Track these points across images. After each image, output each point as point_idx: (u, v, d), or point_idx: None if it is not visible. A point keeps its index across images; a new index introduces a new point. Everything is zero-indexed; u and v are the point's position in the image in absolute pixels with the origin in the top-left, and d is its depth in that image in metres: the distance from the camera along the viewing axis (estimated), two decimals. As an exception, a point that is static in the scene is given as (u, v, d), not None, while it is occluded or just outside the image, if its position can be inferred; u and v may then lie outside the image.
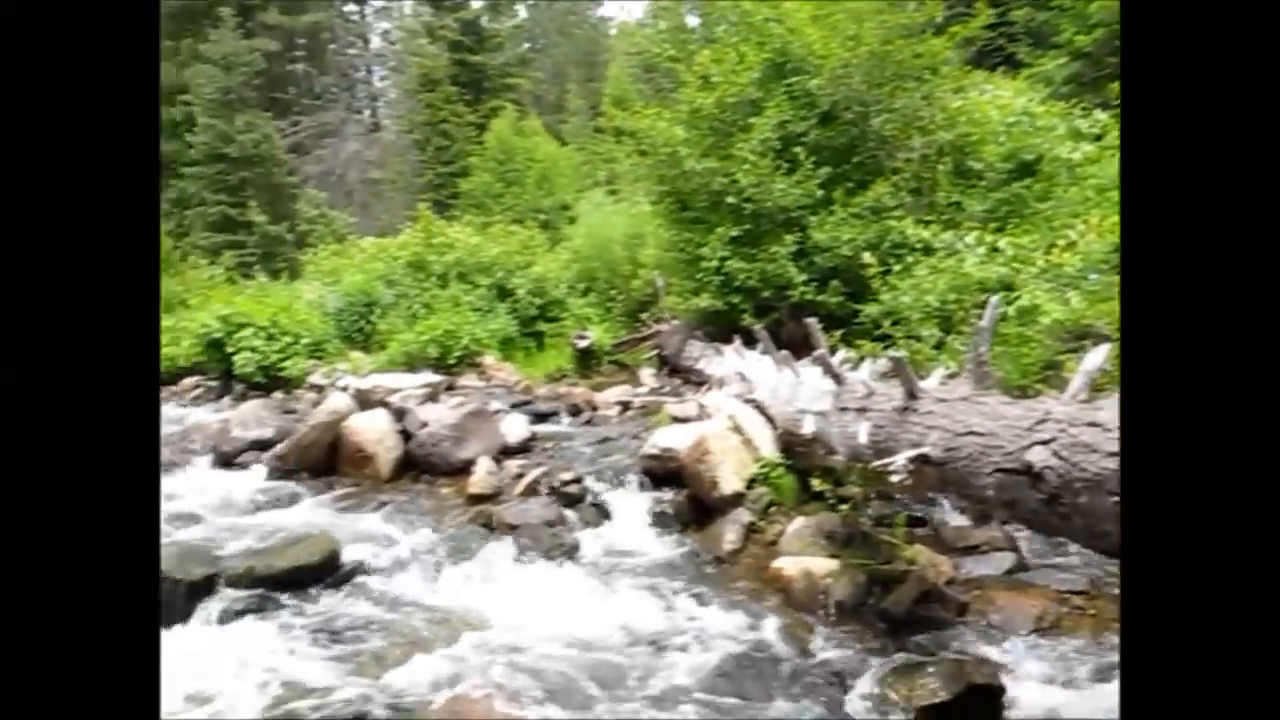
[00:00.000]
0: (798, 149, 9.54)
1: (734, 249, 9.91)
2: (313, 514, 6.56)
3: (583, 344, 12.94)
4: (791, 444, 6.06)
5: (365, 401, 7.92)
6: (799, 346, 7.00)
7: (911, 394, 4.06)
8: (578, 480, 6.48)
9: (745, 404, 6.78)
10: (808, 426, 5.44)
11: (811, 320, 5.49)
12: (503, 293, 14.88)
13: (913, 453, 3.67)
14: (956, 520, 5.55)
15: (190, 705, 3.93)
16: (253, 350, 11.97)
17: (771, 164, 9.57)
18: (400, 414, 7.69)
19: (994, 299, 4.01)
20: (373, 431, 7.37)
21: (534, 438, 8.03)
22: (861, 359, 6.10)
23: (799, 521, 5.38)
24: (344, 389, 9.64)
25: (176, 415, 10.66)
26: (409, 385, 8.38)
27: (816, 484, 5.40)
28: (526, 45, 41.96)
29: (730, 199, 9.76)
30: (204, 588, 4.93)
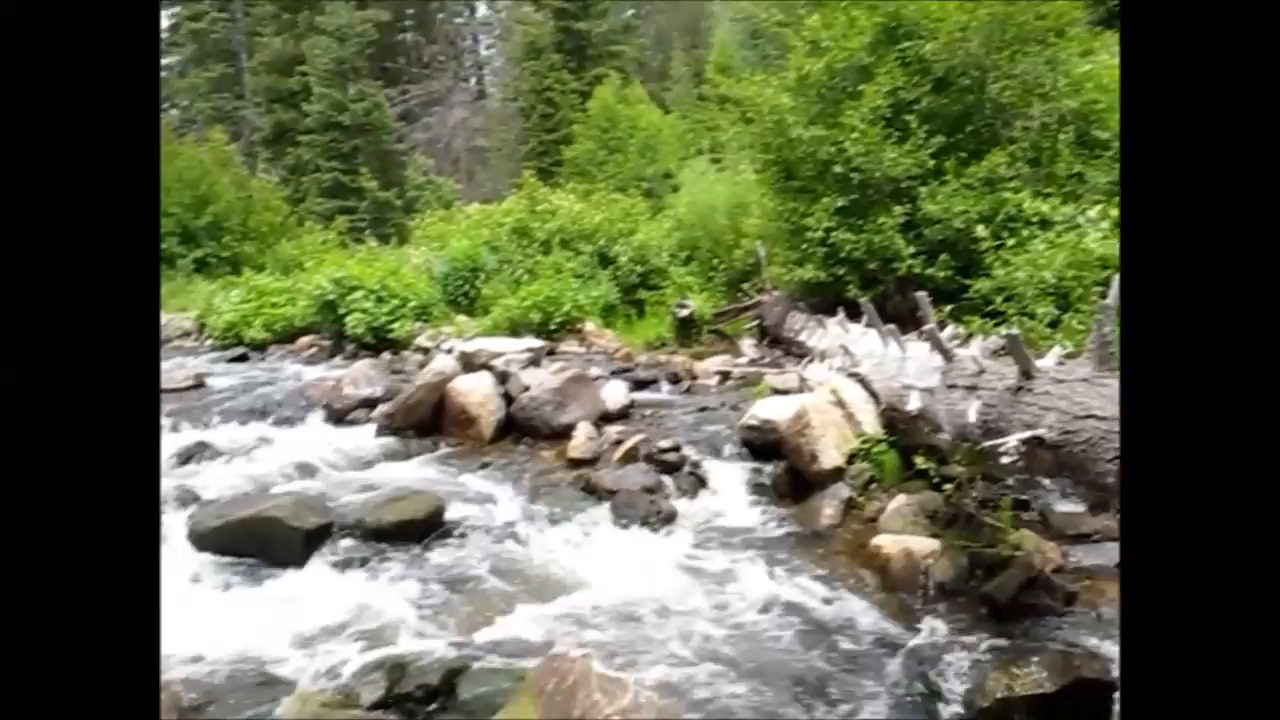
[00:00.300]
0: (909, 117, 9.23)
1: (840, 219, 9.70)
2: (418, 471, 6.78)
3: (683, 313, 12.94)
4: (895, 420, 5.94)
5: (469, 364, 8.11)
6: (905, 321, 6.84)
7: (1026, 373, 3.92)
8: (676, 448, 6.52)
9: (848, 378, 6.67)
10: (913, 403, 5.33)
11: (921, 294, 5.35)
12: (604, 260, 14.97)
13: (1026, 434, 3.54)
14: (1065, 506, 5.35)
15: (299, 647, 4.15)
16: (363, 312, 12.39)
17: (881, 132, 9.30)
18: (503, 377, 7.86)
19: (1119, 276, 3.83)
20: (476, 394, 7.55)
21: (633, 405, 8.09)
22: (970, 335, 5.93)
23: (900, 499, 5.29)
24: (449, 352, 9.91)
25: (293, 372, 11.13)
26: (512, 349, 8.55)
27: (920, 462, 5.29)
28: (630, 12, 41.74)
29: (837, 168, 9.54)
30: (319, 536, 5.17)
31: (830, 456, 5.77)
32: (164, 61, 43.67)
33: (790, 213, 10.66)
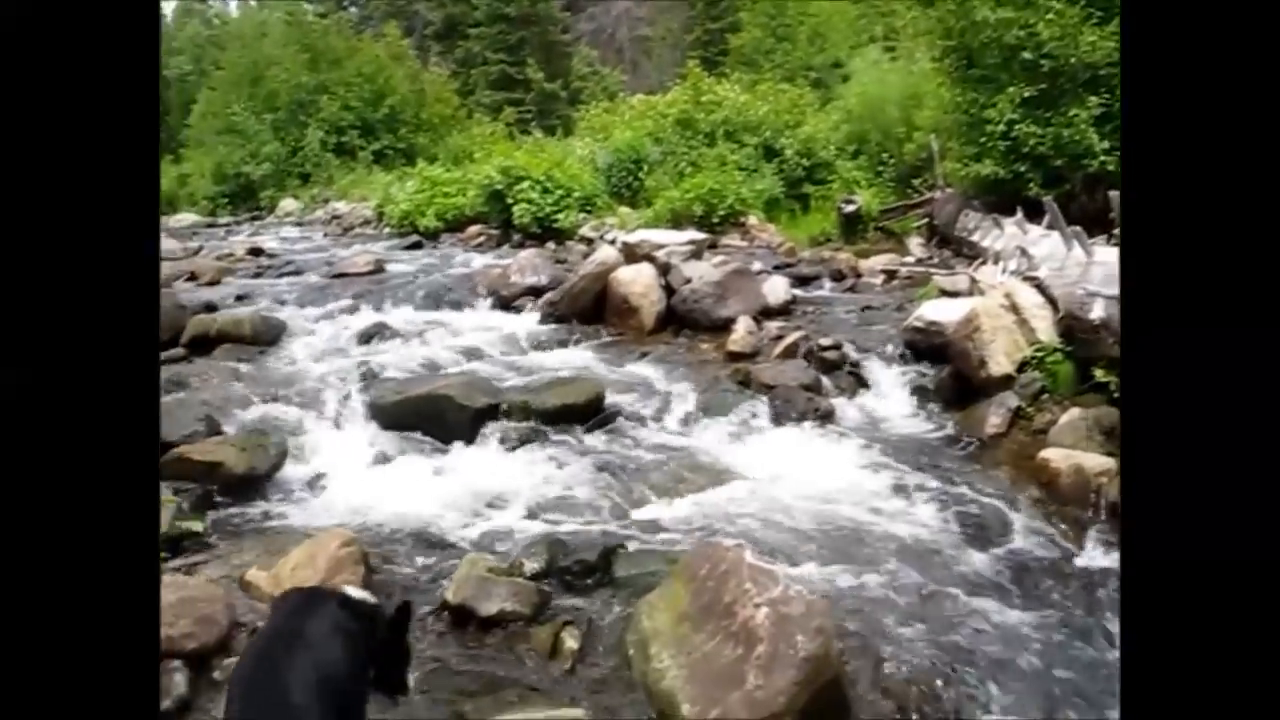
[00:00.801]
0: (1115, -7, 8.35)
1: (1025, 111, 9.00)
2: (580, 358, 6.98)
3: (849, 209, 12.50)
4: (1074, 329, 5.58)
5: (632, 255, 8.18)
6: (1092, 223, 6.35)
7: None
8: (837, 347, 6.40)
9: (1024, 282, 6.30)
10: (1096, 311, 4.98)
11: (1114, 193, 4.93)
12: (770, 153, 14.58)
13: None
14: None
15: (463, 517, 4.41)
16: (529, 202, 12.66)
17: (1080, 13, 8.46)
18: (665, 269, 7.89)
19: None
20: (638, 284, 7.63)
21: (795, 301, 7.98)
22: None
23: (1074, 413, 4.99)
24: (612, 242, 10.01)
25: (462, 260, 11.59)
26: (674, 241, 8.54)
27: (1099, 375, 4.97)
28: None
29: (1026, 54, 8.79)
30: (486, 415, 5.44)
31: (1000, 363, 5.51)
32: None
33: (969, 104, 9.98)
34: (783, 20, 24.25)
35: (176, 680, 2.96)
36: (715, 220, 12.40)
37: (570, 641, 3.28)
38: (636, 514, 4.47)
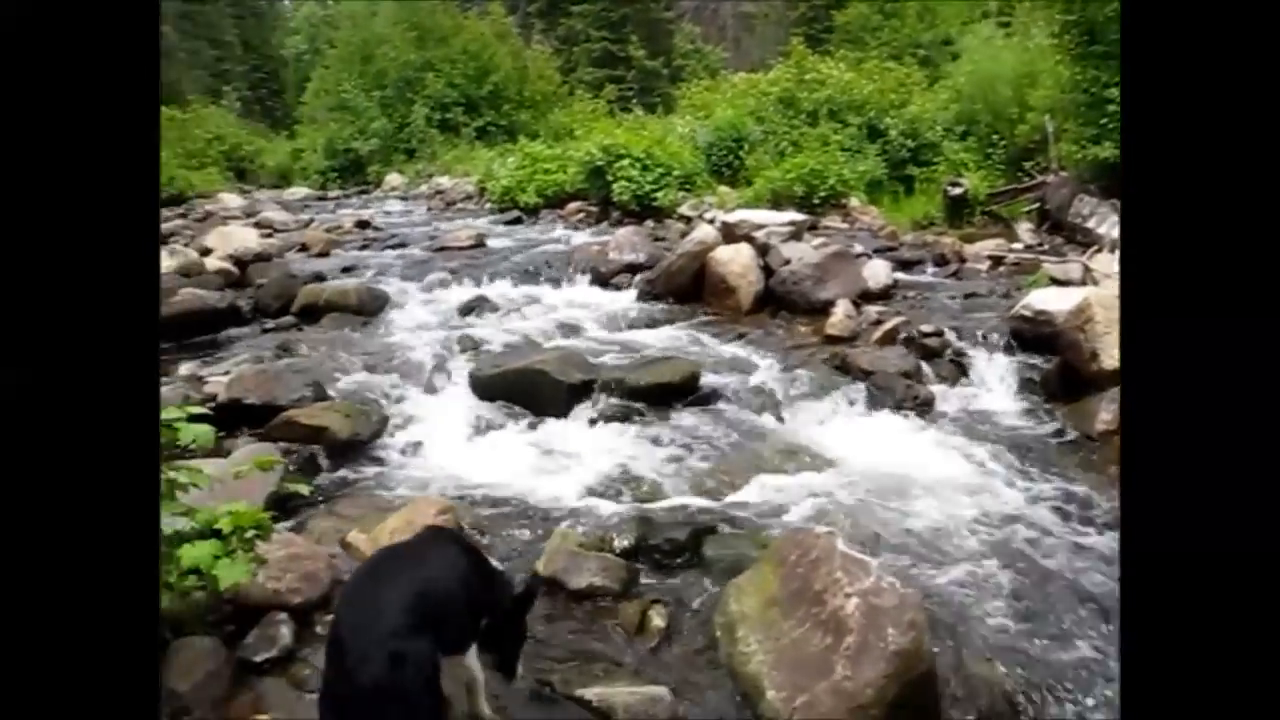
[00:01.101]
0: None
1: (1153, 90, 8.50)
2: (676, 336, 6.97)
3: (956, 191, 12.09)
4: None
5: (730, 235, 8.11)
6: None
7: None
8: (939, 334, 6.22)
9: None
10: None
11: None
12: (874, 133, 14.22)
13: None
14: None
15: (556, 490, 4.46)
16: (629, 180, 12.66)
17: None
18: (764, 250, 7.80)
19: None
20: (736, 264, 7.57)
21: (896, 285, 7.78)
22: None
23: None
24: (711, 221, 9.94)
25: (563, 236, 11.70)
26: (773, 222, 8.43)
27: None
28: None
29: (1156, 29, 8.30)
30: (582, 390, 5.49)
31: (1114, 356, 5.26)
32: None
33: (1090, 82, 9.51)
34: (891, -4, 23.58)
35: (282, 632, 3.11)
36: (816, 201, 12.18)
37: (657, 619, 3.29)
38: (727, 495, 4.44)
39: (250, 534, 3.13)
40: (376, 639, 2.18)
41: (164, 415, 2.96)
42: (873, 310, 6.92)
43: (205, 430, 3.04)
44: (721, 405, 5.55)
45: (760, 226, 8.23)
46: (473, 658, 2.62)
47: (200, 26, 43.47)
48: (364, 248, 11.65)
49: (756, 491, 4.47)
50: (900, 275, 8.21)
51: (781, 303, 7.41)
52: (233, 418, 5.01)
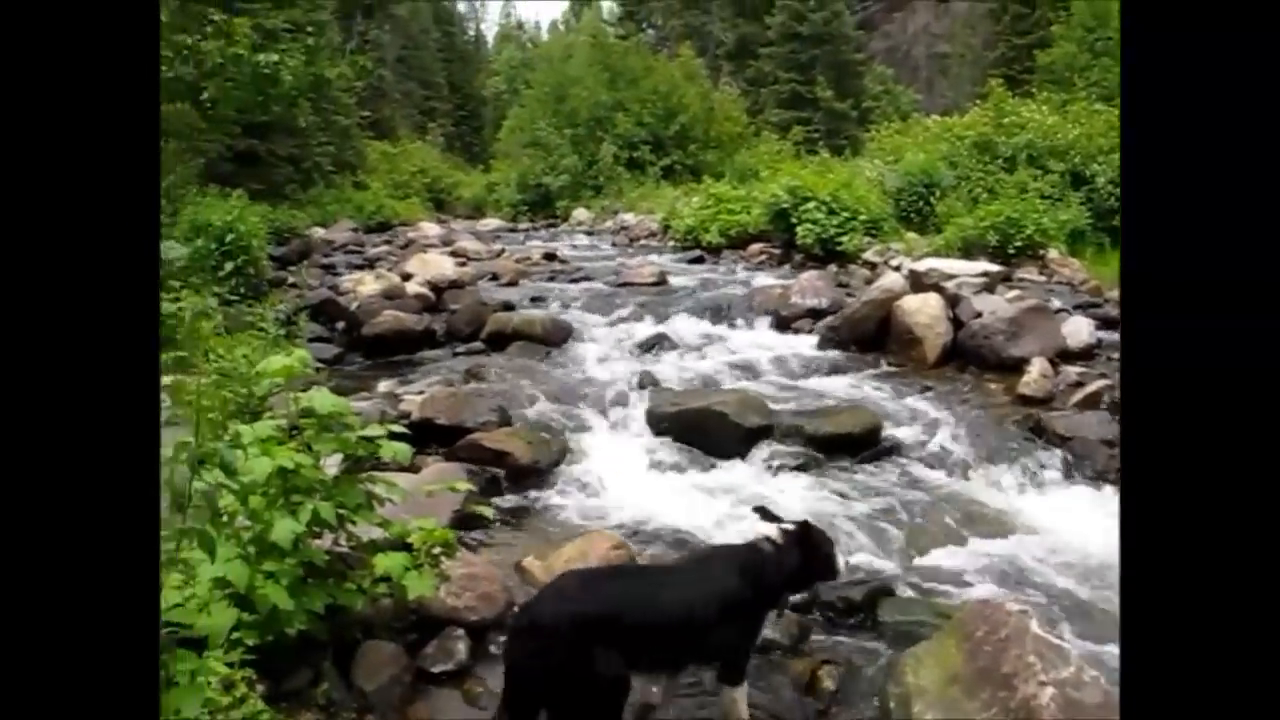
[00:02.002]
0: None
1: None
2: (857, 385, 6.78)
3: (1169, 247, 11.20)
4: None
5: (919, 284, 7.86)
6: None
7: None
8: (1148, 401, 5.74)
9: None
10: None
11: None
12: (1078, 180, 13.42)
13: None
14: None
15: (729, 534, 4.34)
16: (814, 223, 12.50)
17: None
18: (954, 300, 7.50)
19: None
20: (924, 315, 7.30)
21: (1099, 345, 7.25)
22: None
23: None
24: (897, 269, 9.68)
25: (743, 277, 11.69)
26: (965, 272, 8.10)
27: None
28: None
29: None
30: (759, 434, 5.43)
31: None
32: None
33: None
34: (1102, 34, 22.21)
35: (459, 647, 3.22)
36: (1011, 251, 11.58)
37: (828, 681, 3.18)
38: (907, 557, 4.26)
39: (437, 550, 3.28)
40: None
41: (366, 432, 3.15)
42: (1072, 371, 6.47)
43: (404, 448, 3.20)
44: (903, 461, 5.34)
45: (951, 276, 7.92)
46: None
47: (414, 69, 46.90)
48: (551, 279, 12.08)
49: (938, 555, 4.26)
50: (1104, 335, 7.65)
51: (970, 357, 7.07)
52: (424, 435, 5.27)
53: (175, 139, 9.09)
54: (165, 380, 5.62)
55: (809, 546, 2.93)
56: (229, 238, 9.90)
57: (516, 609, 2.63)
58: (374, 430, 3.18)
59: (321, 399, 3.03)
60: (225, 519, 2.65)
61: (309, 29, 11.51)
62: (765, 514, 3.05)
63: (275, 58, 7.98)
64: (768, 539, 2.91)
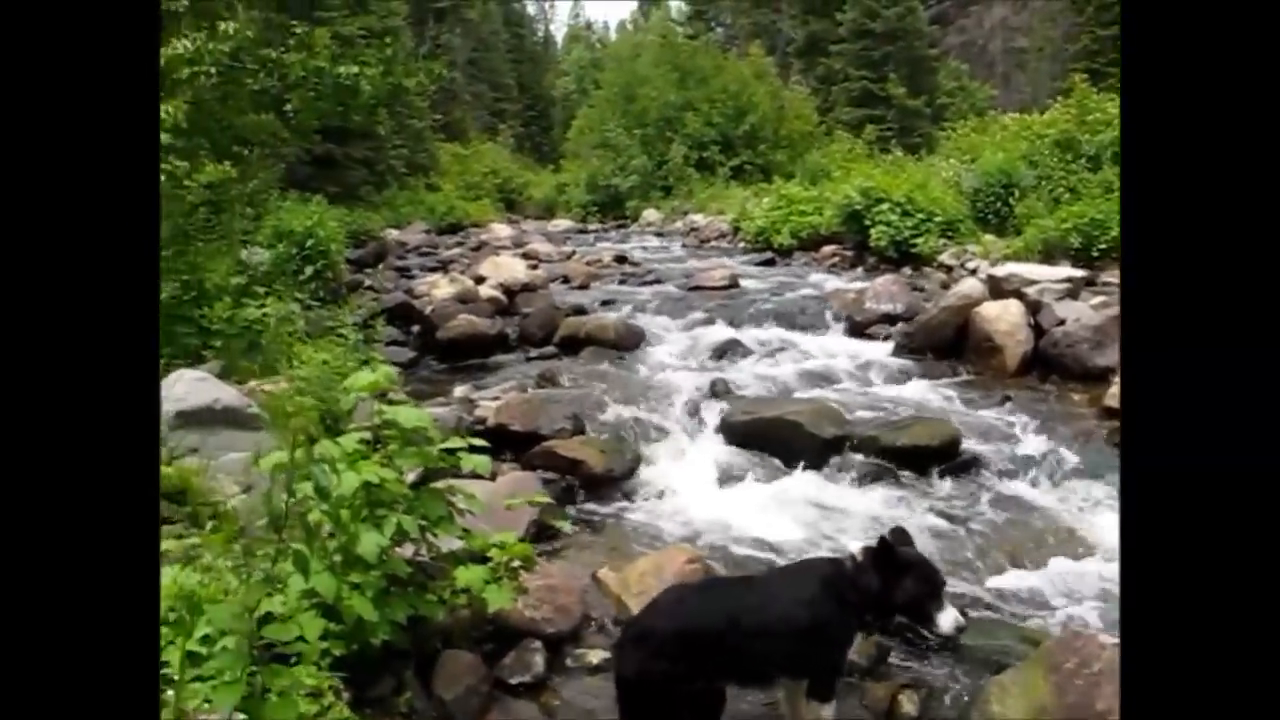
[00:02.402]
0: None
1: None
2: (934, 395, 6.64)
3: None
4: None
5: (998, 290, 7.66)
6: None
7: None
8: (1245, 415, 5.50)
9: None
10: None
11: None
12: (1166, 180, 12.94)
13: None
14: None
15: (804, 547, 4.35)
16: (888, 225, 12.32)
17: None
18: (1035, 307, 7.29)
19: None
20: (1004, 322, 7.12)
21: (1190, 355, 6.99)
22: None
23: None
24: (973, 271, 9.46)
25: (816, 280, 11.57)
26: (1047, 278, 7.87)
27: None
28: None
29: None
30: (834, 445, 5.35)
31: None
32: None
33: None
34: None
35: (536, 659, 3.25)
36: (1095, 255, 11.21)
37: (908, 705, 3.11)
38: (989, 577, 4.14)
39: (516, 564, 3.32)
40: None
41: (447, 444, 3.21)
42: (1162, 382, 6.24)
43: (484, 461, 3.25)
44: (983, 475, 5.20)
45: (1032, 282, 7.70)
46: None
47: (484, 71, 47.54)
48: (622, 282, 12.13)
49: (1022, 577, 4.13)
50: (1196, 343, 7.37)
51: (1052, 366, 6.87)
52: (499, 442, 5.33)
53: (259, 148, 9.36)
54: (252, 384, 5.84)
55: (891, 571, 2.69)
56: (309, 243, 10.19)
57: (622, 624, 2.66)
58: (455, 443, 3.22)
59: (405, 414, 3.08)
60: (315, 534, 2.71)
61: (386, 38, 11.73)
62: (900, 537, 2.87)
63: (355, 70, 8.15)
64: (851, 556, 2.84)
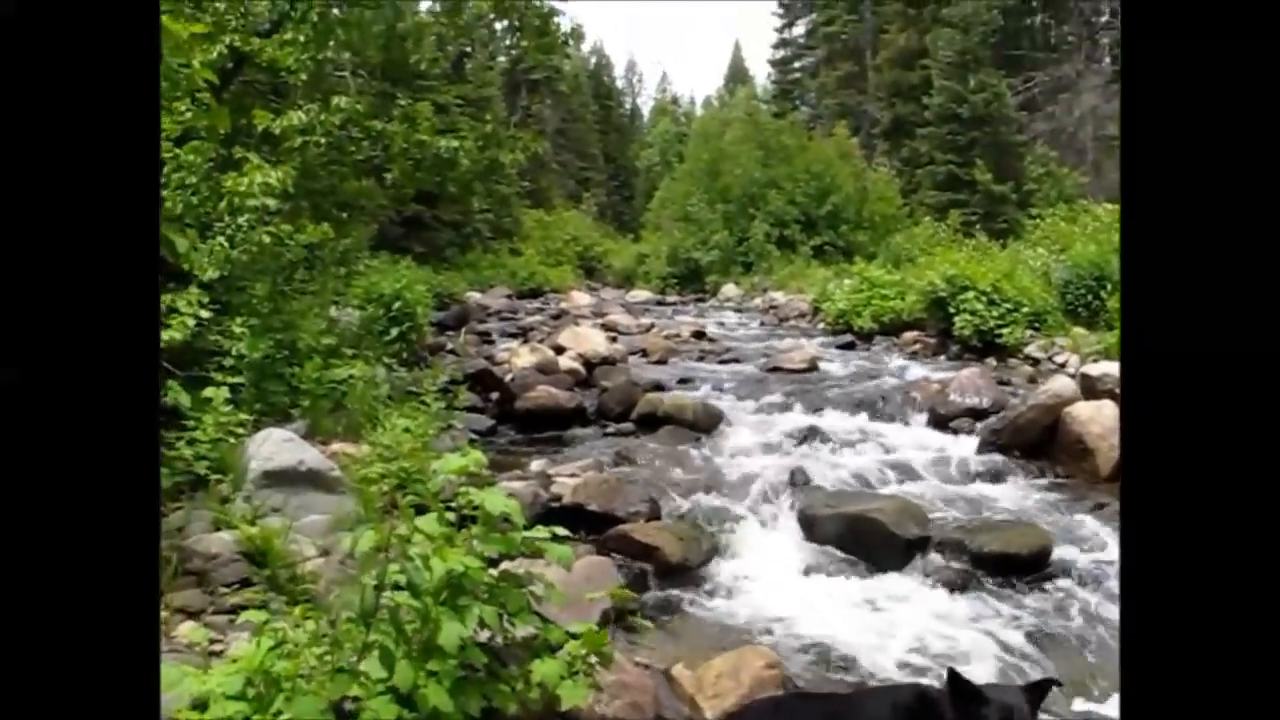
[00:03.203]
0: None
1: None
2: (1022, 497, 6.41)
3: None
4: None
5: (1091, 390, 7.41)
6: None
7: None
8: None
9: None
10: None
11: None
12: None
13: None
14: None
15: (884, 653, 4.21)
16: (973, 313, 12.07)
17: None
18: (1130, 411, 7.02)
19: None
20: (1096, 424, 6.85)
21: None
22: None
23: None
24: (1062, 364, 9.17)
25: (897, 367, 11.36)
26: (1144, 380, 7.57)
27: None
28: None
29: None
30: (917, 546, 5.18)
31: None
32: (796, 64, 47.84)
33: None
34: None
35: (606, 758, 3.15)
36: (1191, 354, 10.84)
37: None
38: (1079, 701, 3.92)
39: (593, 659, 3.25)
40: None
41: (529, 534, 3.18)
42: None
43: (566, 552, 3.20)
44: (1074, 587, 4.95)
45: (1128, 383, 7.43)
46: None
47: (571, 140, 48.95)
48: (700, 359, 12.12)
49: (1114, 704, 3.89)
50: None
51: (1150, 473, 6.56)
52: (575, 520, 5.29)
53: (357, 212, 9.74)
54: (335, 447, 5.93)
55: (971, 702, 2.50)
56: (397, 304, 10.45)
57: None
58: (539, 533, 3.20)
59: (493, 499, 3.07)
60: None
61: (484, 114, 12.18)
62: (955, 680, 2.59)
63: (455, 144, 8.47)
64: (934, 687, 2.76)
